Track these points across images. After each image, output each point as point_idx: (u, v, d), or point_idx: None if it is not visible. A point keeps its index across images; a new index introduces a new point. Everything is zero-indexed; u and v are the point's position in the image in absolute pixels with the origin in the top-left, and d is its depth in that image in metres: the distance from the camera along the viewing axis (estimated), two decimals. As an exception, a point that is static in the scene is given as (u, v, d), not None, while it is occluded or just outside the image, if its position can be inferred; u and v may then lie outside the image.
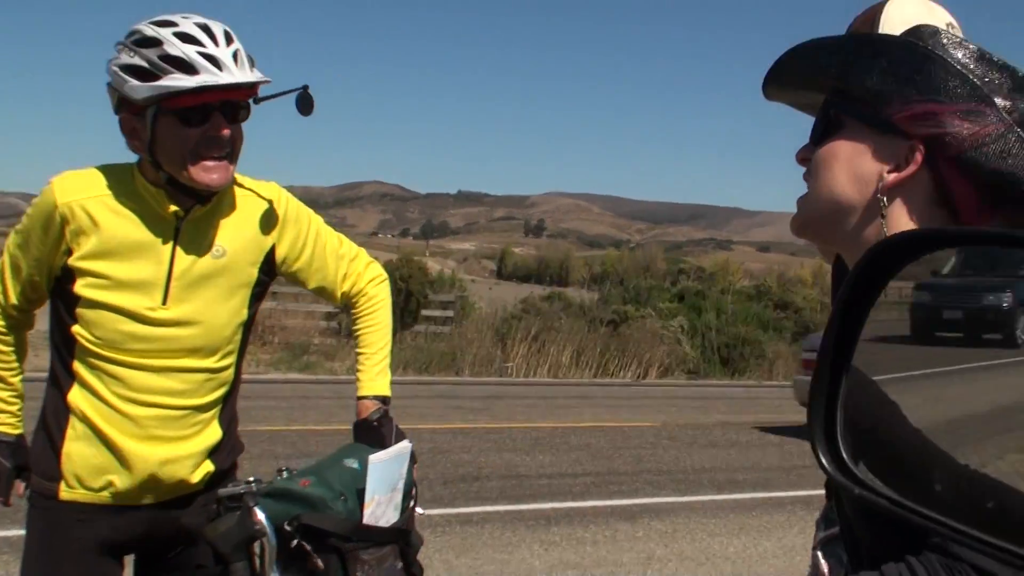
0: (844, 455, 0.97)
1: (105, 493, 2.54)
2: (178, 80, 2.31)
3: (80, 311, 2.48)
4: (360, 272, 2.90)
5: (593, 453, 11.07)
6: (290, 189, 2.81)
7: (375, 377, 2.85)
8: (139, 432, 2.51)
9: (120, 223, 2.47)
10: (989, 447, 0.98)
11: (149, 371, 2.51)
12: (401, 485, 2.63)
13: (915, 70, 1.21)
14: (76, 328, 2.49)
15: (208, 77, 2.33)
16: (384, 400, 2.84)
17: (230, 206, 2.63)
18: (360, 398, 2.84)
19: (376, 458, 2.51)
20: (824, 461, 0.97)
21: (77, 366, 2.52)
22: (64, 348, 2.55)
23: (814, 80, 1.30)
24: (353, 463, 2.57)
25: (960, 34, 1.61)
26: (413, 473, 2.73)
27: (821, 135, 1.30)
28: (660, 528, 7.81)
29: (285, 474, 2.57)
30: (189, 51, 2.33)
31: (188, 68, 2.32)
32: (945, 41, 1.24)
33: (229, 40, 2.41)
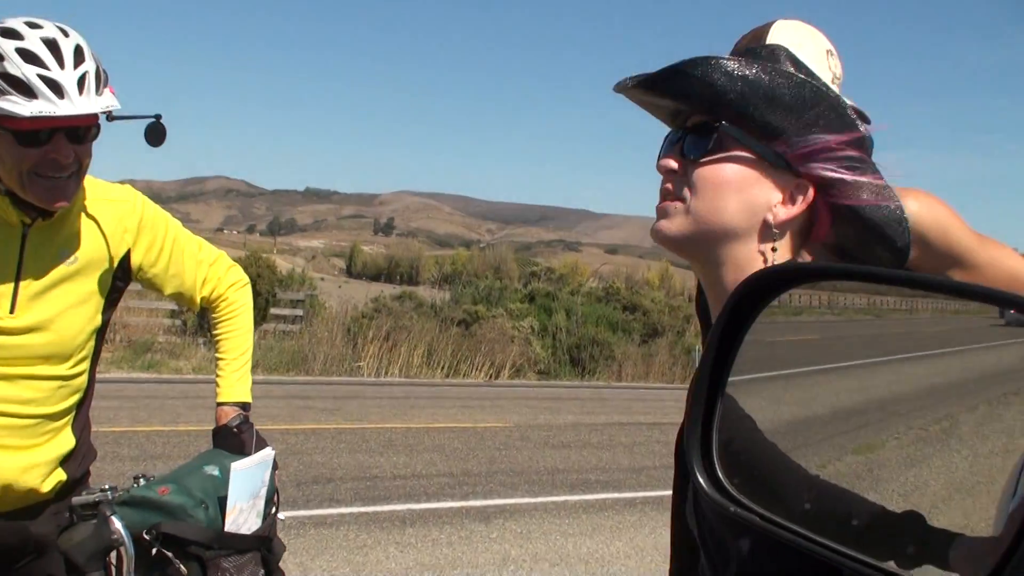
0: (720, 475, 1.01)
1: None
2: (13, 104, 2.18)
3: None
4: (221, 277, 2.85)
5: (447, 454, 11.08)
6: (131, 183, 2.73)
7: (235, 383, 2.81)
8: None
9: None
10: (828, 449, 1.02)
11: None
12: (263, 492, 2.61)
13: (815, 113, 1.26)
14: None
15: (44, 106, 2.20)
16: (244, 406, 2.80)
17: (81, 211, 2.54)
18: (220, 404, 2.80)
19: (239, 466, 2.48)
20: (701, 480, 1.01)
21: None
22: None
23: (705, 100, 1.30)
24: (214, 470, 2.53)
25: (839, 63, 1.68)
26: (276, 480, 2.70)
27: (704, 152, 1.30)
28: (515, 529, 7.89)
29: (143, 481, 2.51)
30: (29, 73, 2.20)
31: (26, 91, 2.20)
32: (835, 86, 1.31)
33: (79, 60, 2.29)
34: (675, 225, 1.33)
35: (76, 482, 2.65)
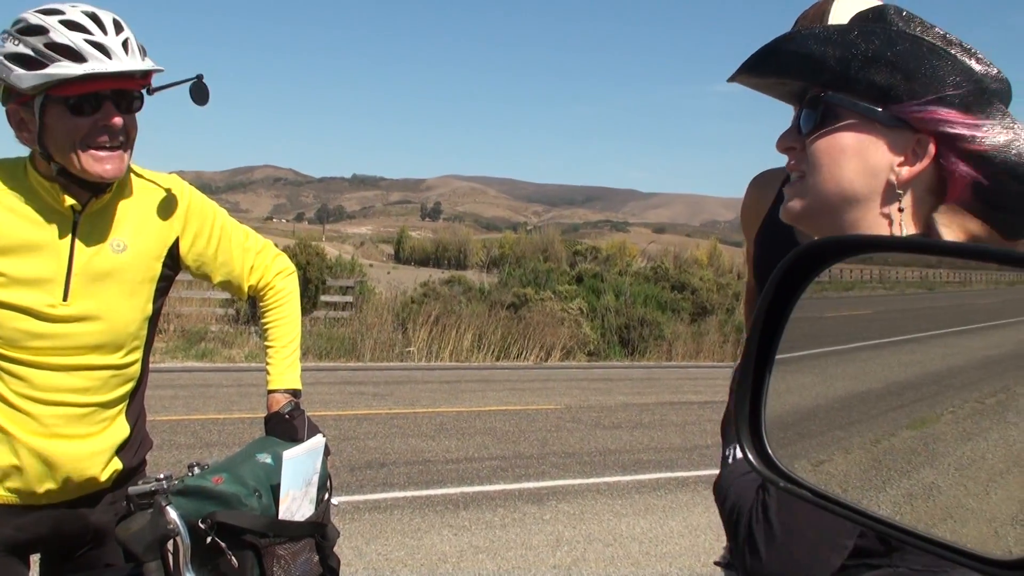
0: (769, 450, 1.00)
1: (10, 493, 2.48)
2: (65, 68, 2.26)
3: None
4: (267, 265, 2.87)
5: (498, 437, 11.11)
6: (181, 175, 2.76)
7: (285, 371, 2.83)
8: (43, 431, 2.45)
9: (14, 220, 2.41)
10: (882, 424, 1.00)
11: (52, 369, 2.45)
12: (315, 479, 2.62)
13: (921, 65, 1.22)
14: None
15: (96, 64, 2.28)
16: (295, 393, 2.82)
17: (130, 199, 2.58)
18: (271, 391, 2.82)
19: (290, 454, 2.49)
20: (750, 456, 0.99)
21: None
22: None
23: (804, 71, 1.30)
24: (266, 458, 2.54)
25: None
26: (328, 465, 2.72)
27: (815, 125, 1.30)
28: (568, 510, 7.89)
29: (197, 470, 2.52)
30: (76, 39, 2.29)
31: (75, 56, 2.28)
32: (942, 34, 1.26)
33: (119, 28, 2.36)
34: (800, 202, 1.34)
35: (133, 471, 2.69)
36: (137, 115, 2.47)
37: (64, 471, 2.49)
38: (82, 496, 2.59)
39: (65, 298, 2.44)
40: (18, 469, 2.46)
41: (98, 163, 2.36)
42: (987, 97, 1.23)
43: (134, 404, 2.68)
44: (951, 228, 1.27)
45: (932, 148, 1.24)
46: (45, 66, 2.27)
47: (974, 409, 0.92)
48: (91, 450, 2.53)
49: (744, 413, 1.01)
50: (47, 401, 2.45)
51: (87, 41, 2.29)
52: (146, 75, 2.42)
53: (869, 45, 1.24)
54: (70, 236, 2.45)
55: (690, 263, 41.83)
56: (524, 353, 20.88)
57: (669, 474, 9.59)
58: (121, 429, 2.62)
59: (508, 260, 46.45)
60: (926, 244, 1.04)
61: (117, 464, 2.62)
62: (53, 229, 2.44)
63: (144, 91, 2.46)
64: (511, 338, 20.96)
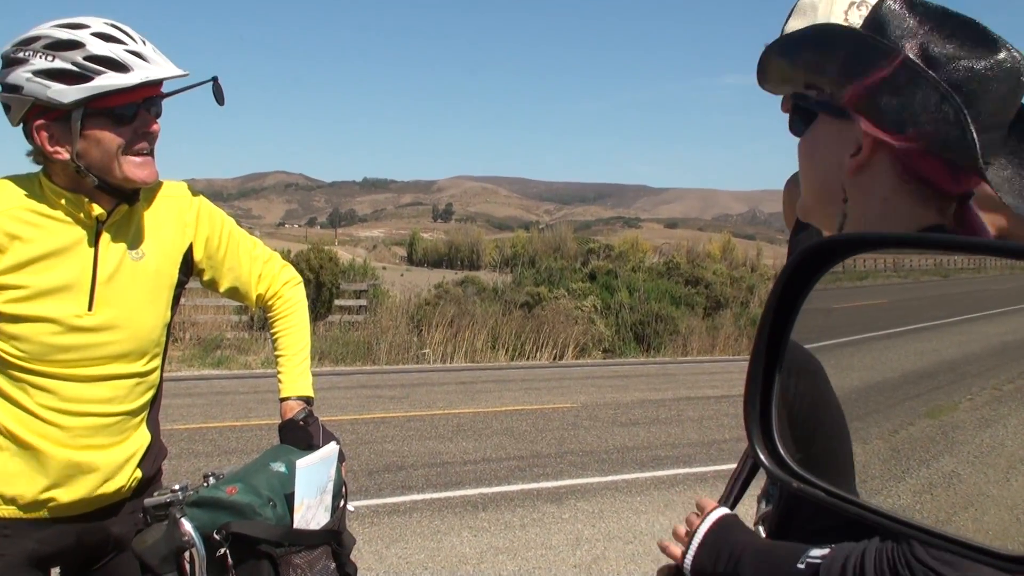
0: (780, 449, 0.98)
1: (39, 506, 2.50)
2: (112, 79, 2.31)
3: (3, 326, 2.42)
4: (275, 274, 2.90)
5: (516, 437, 11.11)
6: (192, 182, 2.80)
7: (298, 378, 2.84)
8: (71, 442, 2.48)
9: (38, 233, 2.43)
10: (900, 413, 1.00)
11: (78, 381, 2.47)
12: (330, 487, 2.61)
13: (851, 52, 1.22)
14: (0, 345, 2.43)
15: (143, 73, 2.34)
16: (308, 400, 2.82)
17: (146, 207, 2.62)
18: (283, 399, 2.82)
19: (304, 463, 2.49)
20: (762, 456, 0.98)
21: (1, 382, 2.46)
22: None
23: (790, 74, 1.33)
24: (280, 467, 2.54)
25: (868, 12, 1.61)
26: (342, 472, 2.71)
27: (793, 130, 1.36)
28: (587, 509, 7.89)
29: (212, 480, 2.52)
30: (116, 50, 2.33)
31: (119, 67, 2.32)
32: (891, 7, 1.23)
33: (143, 39, 2.42)
34: (799, 201, 1.40)
35: (150, 480, 2.72)
36: None
37: (91, 482, 2.52)
38: (105, 507, 2.60)
39: (90, 307, 2.47)
40: (46, 484, 2.47)
41: (140, 169, 2.43)
42: (891, 52, 1.19)
43: (153, 411, 2.71)
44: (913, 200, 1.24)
45: (862, 125, 1.22)
46: (90, 79, 2.29)
47: (992, 396, 0.92)
48: (117, 459, 2.56)
49: (755, 413, 1.00)
50: (75, 412, 2.47)
51: (127, 51, 2.34)
52: (161, 81, 2.45)
53: (823, 43, 1.26)
54: (93, 245, 2.48)
55: (703, 257, 41.79)
56: (539, 353, 20.88)
57: (687, 470, 9.57)
58: (143, 437, 2.65)
59: (521, 259, 46.49)
60: (929, 240, 1.03)
61: (138, 473, 2.64)
62: (76, 240, 2.46)
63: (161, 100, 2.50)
64: (525, 337, 20.97)
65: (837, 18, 1.75)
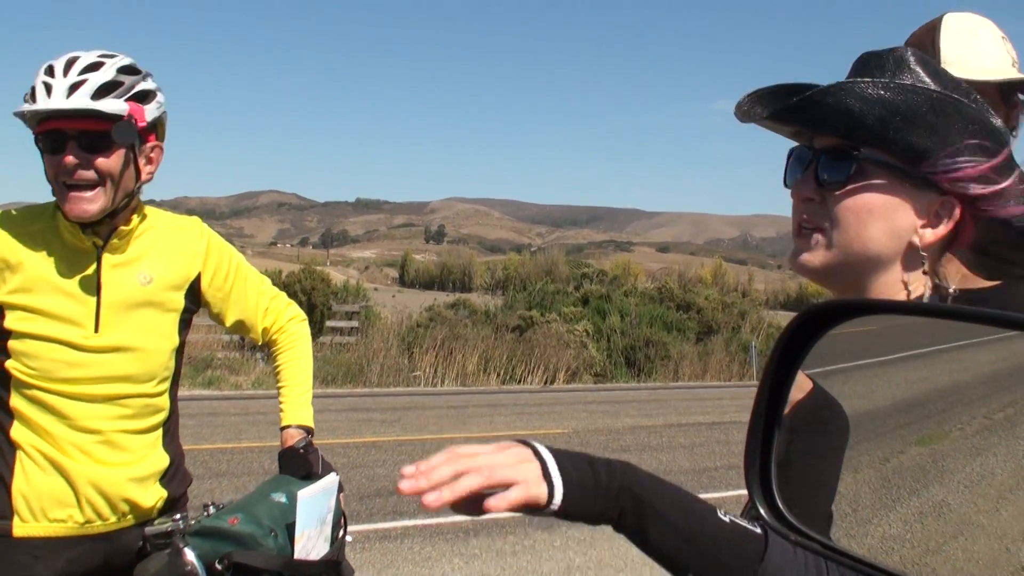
0: (780, 503, 1.02)
1: (66, 522, 2.53)
2: (24, 105, 2.42)
3: (12, 345, 2.49)
4: (281, 310, 2.95)
5: (506, 462, 11.05)
6: (185, 200, 2.83)
7: (299, 408, 2.87)
8: (89, 459, 2.52)
9: (43, 259, 2.50)
10: (891, 442, 1.01)
11: (86, 400, 2.52)
12: (330, 517, 2.64)
13: (959, 128, 1.21)
14: (10, 363, 2.50)
15: (38, 104, 2.39)
16: (308, 431, 2.85)
17: (155, 235, 2.67)
18: (284, 427, 2.85)
19: (305, 493, 2.51)
20: (761, 510, 1.02)
21: (15, 401, 2.51)
22: (0, 385, 2.53)
23: (840, 126, 1.26)
24: (281, 497, 2.56)
25: (1013, 51, 1.65)
26: (341, 503, 2.74)
27: (843, 179, 1.26)
28: (578, 536, 7.87)
29: (212, 510, 2.55)
30: (38, 80, 2.42)
31: (32, 95, 2.42)
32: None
33: (91, 70, 2.43)
34: (818, 258, 1.30)
35: (176, 500, 2.76)
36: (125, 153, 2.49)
37: (112, 497, 2.55)
38: (131, 526, 2.63)
39: (96, 330, 2.52)
40: (74, 497, 2.52)
41: (73, 204, 2.44)
42: (1009, 159, 1.23)
43: (170, 435, 2.75)
44: (953, 277, 1.28)
45: (958, 211, 1.24)
46: (24, 102, 2.43)
47: (983, 425, 0.92)
48: (132, 476, 2.59)
49: (755, 468, 1.03)
50: (86, 430, 2.52)
51: (43, 82, 2.41)
52: (111, 118, 2.42)
53: (907, 103, 1.21)
54: (96, 271, 2.53)
55: (695, 282, 41.83)
56: (530, 377, 20.84)
57: (678, 497, 9.54)
58: (161, 458, 2.69)
59: (513, 282, 46.48)
60: (933, 309, 1.06)
61: (162, 492, 2.68)
62: (80, 265, 2.53)
63: (112, 134, 2.44)
64: (517, 360, 20.93)
65: (997, 47, 1.74)
